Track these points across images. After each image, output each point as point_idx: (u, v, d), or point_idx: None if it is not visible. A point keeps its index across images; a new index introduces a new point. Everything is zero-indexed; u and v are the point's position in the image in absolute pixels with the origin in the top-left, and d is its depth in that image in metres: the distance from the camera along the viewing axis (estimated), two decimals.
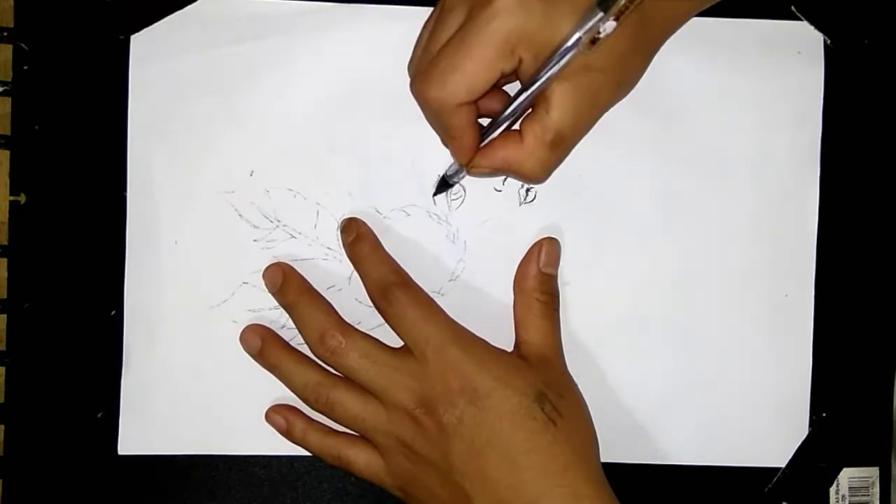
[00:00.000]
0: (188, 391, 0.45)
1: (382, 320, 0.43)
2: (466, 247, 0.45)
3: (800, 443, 0.46)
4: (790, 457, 0.46)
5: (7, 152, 0.45)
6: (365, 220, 0.45)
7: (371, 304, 0.43)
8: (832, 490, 0.46)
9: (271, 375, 0.44)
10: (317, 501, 0.46)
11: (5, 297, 0.45)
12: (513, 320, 0.44)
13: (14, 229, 0.45)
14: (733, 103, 0.45)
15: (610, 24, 0.37)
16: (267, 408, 0.45)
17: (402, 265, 0.44)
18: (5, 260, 0.45)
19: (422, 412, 0.41)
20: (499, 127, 0.40)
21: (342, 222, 0.45)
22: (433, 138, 0.43)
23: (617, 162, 0.45)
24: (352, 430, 0.43)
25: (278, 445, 0.45)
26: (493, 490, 0.40)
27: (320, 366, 0.44)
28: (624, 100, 0.41)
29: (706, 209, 0.46)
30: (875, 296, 0.46)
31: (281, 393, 0.45)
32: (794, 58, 0.45)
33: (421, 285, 0.43)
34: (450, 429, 0.41)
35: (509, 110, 0.40)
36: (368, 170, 0.45)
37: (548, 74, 0.38)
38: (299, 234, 0.45)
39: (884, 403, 0.47)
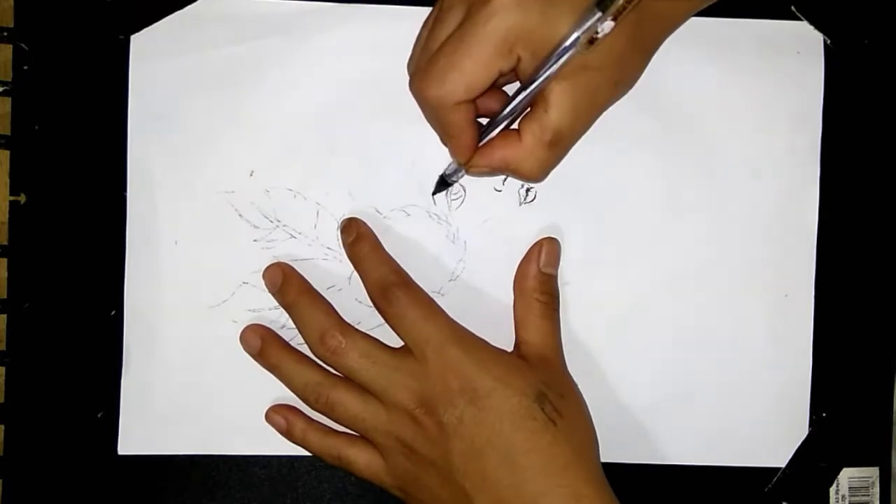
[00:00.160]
0: (188, 391, 0.45)
1: (382, 320, 0.43)
2: (466, 247, 0.45)
3: (800, 443, 0.46)
4: (790, 457, 0.46)
5: (7, 152, 0.45)
6: (365, 220, 0.45)
7: (371, 304, 0.43)
8: (832, 490, 0.46)
9: (271, 375, 0.44)
10: (317, 501, 0.46)
11: (5, 297, 0.45)
12: (513, 320, 0.44)
13: (14, 229, 0.45)
14: (733, 103, 0.45)
15: (608, 24, 0.37)
16: (267, 408, 0.45)
17: (402, 265, 0.44)
18: (5, 260, 0.45)
19: (422, 412, 0.41)
20: (497, 126, 0.40)
21: (342, 222, 0.45)
22: (433, 139, 0.43)
23: (617, 162, 0.45)
24: (352, 430, 0.43)
25: (278, 445, 0.45)
26: (494, 490, 0.40)
27: (320, 366, 0.44)
28: (624, 100, 0.41)
29: (706, 209, 0.46)
30: (875, 296, 0.46)
31: (281, 393, 0.45)
32: (794, 58, 0.45)
33: (421, 285, 0.43)
34: (450, 429, 0.41)
35: (508, 109, 0.40)
36: (368, 170, 0.45)
37: (546, 73, 0.38)
38: (299, 234, 0.45)
39: (884, 403, 0.47)
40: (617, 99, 0.41)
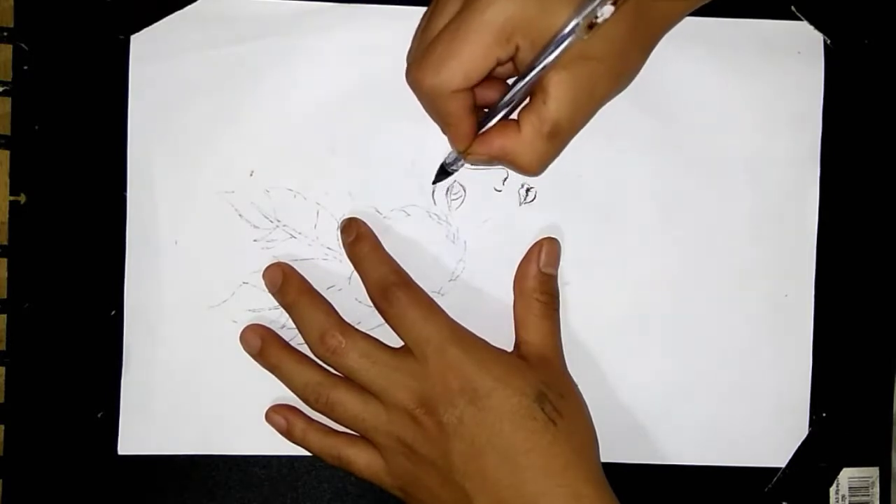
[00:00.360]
0: (188, 391, 0.45)
1: (382, 320, 0.43)
2: (466, 247, 0.45)
3: (800, 443, 0.46)
4: (790, 457, 0.46)
5: (7, 152, 0.45)
6: (365, 220, 0.45)
7: (371, 304, 0.43)
8: (832, 490, 0.46)
9: (271, 375, 0.44)
10: (317, 501, 0.46)
11: (5, 297, 0.45)
12: (513, 320, 0.44)
13: (14, 229, 0.45)
14: (733, 103, 0.45)
15: (608, 9, 0.36)
16: (267, 408, 0.45)
17: (402, 265, 0.44)
18: (5, 260, 0.45)
19: (422, 412, 0.41)
20: (496, 115, 0.40)
21: (342, 222, 0.45)
22: (433, 138, 0.43)
23: (617, 162, 0.45)
24: (352, 430, 0.43)
25: (278, 445, 0.45)
26: (494, 490, 0.40)
27: (320, 366, 0.44)
28: (624, 99, 0.41)
29: (706, 209, 0.46)
30: (875, 296, 0.46)
31: (281, 393, 0.45)
32: (794, 58, 0.45)
33: (421, 285, 0.43)
34: (450, 429, 0.41)
35: (507, 98, 0.39)
36: (368, 170, 0.45)
37: (545, 61, 0.37)
38: (299, 234, 0.45)
39: (884, 403, 0.47)
40: (616, 92, 0.40)
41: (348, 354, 0.42)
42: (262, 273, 0.45)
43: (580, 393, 0.44)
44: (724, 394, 0.46)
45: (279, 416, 0.45)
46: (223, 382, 0.45)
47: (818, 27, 0.45)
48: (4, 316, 0.45)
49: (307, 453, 0.45)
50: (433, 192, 0.45)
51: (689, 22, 0.43)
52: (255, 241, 0.45)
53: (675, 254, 0.46)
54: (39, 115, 0.45)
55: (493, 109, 0.40)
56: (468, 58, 0.37)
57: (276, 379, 0.44)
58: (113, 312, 0.45)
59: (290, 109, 0.45)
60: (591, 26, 0.37)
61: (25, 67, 0.45)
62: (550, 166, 0.41)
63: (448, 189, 0.45)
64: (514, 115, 0.40)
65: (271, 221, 0.45)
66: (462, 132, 0.40)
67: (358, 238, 0.44)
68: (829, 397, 0.46)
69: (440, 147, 0.43)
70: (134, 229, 0.45)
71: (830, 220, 0.46)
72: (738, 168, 0.45)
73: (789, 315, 0.46)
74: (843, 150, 0.46)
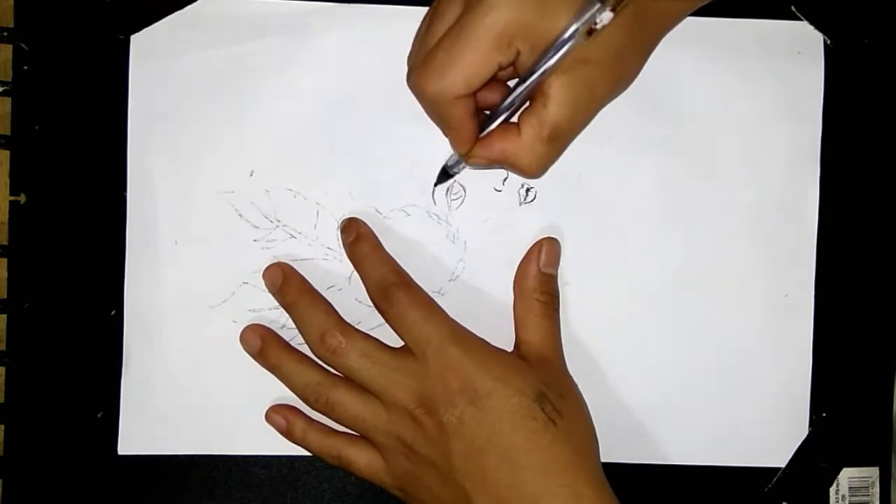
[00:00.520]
0: (188, 391, 0.45)
1: (382, 320, 0.43)
2: (466, 247, 0.45)
3: (800, 443, 0.46)
4: (790, 457, 0.46)
5: (7, 152, 0.45)
6: (365, 220, 0.45)
7: (371, 304, 0.43)
8: (832, 490, 0.46)
9: (271, 375, 0.44)
10: (317, 501, 0.46)
11: (5, 297, 0.45)
12: (513, 320, 0.44)
13: (14, 229, 0.45)
14: (733, 103, 0.45)
15: (607, 15, 0.36)
16: (267, 408, 0.45)
17: (402, 265, 0.44)
18: (5, 260, 0.45)
19: (422, 412, 0.41)
20: (496, 119, 0.40)
21: (342, 222, 0.45)
22: (433, 139, 0.43)
23: (617, 162, 0.45)
24: (352, 429, 0.43)
25: (278, 445, 0.45)
26: (494, 490, 0.40)
27: (320, 366, 0.44)
28: (624, 100, 0.41)
29: (706, 209, 0.46)
30: (875, 296, 0.46)
31: (281, 393, 0.45)
32: (794, 58, 0.45)
33: (421, 285, 0.43)
34: (450, 429, 0.41)
35: (507, 102, 0.39)
36: (368, 170, 0.45)
37: (545, 66, 0.38)
38: (299, 234, 0.45)
39: (884, 403, 0.47)
40: (616, 95, 0.41)
41: (348, 354, 0.42)
42: (262, 273, 0.45)
43: (580, 393, 0.44)
44: (724, 394, 0.46)
45: (279, 416, 0.45)
46: (223, 382, 0.45)
47: (818, 27, 0.45)
48: (4, 316, 0.45)
49: (307, 453, 0.45)
50: (433, 192, 0.45)
51: (689, 22, 0.43)
52: (255, 241, 0.45)
53: (674, 254, 0.46)
54: (39, 115, 0.45)
55: (493, 113, 0.40)
56: (470, 64, 0.37)
57: (276, 379, 0.44)
58: (113, 312, 0.45)
59: (290, 109, 0.45)
60: (591, 32, 0.37)
61: (25, 67, 0.45)
62: (551, 167, 0.41)
63: (448, 189, 0.45)
64: (514, 119, 0.40)
65: (271, 221, 0.45)
66: (464, 136, 0.40)
67: (358, 238, 0.44)
68: (829, 397, 0.46)
69: (440, 147, 0.43)
70: (134, 229, 0.45)
71: (830, 220, 0.46)
72: (738, 168, 0.45)
73: (789, 315, 0.46)
74: (843, 150, 0.46)
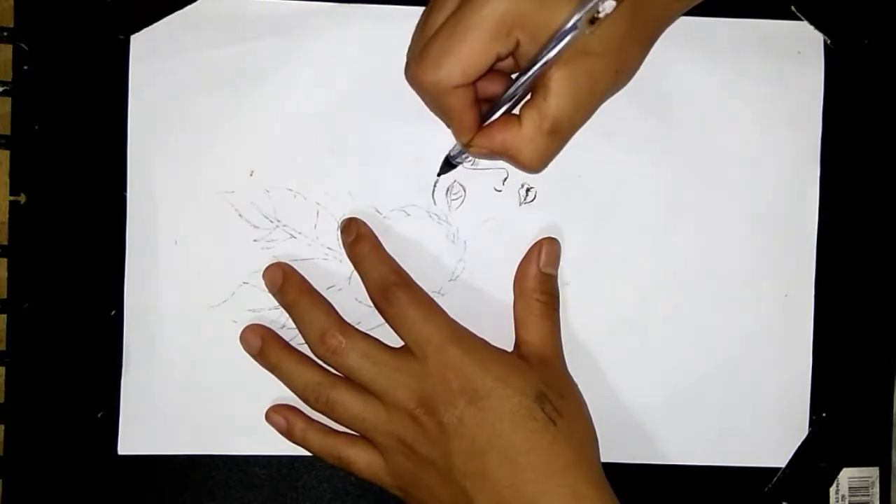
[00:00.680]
0: (188, 391, 0.45)
1: (382, 320, 0.43)
2: (466, 247, 0.45)
3: (800, 443, 0.46)
4: (790, 457, 0.46)
5: (7, 152, 0.45)
6: (365, 220, 0.45)
7: (371, 304, 0.43)
8: (832, 490, 0.46)
9: (271, 375, 0.44)
10: (317, 501, 0.46)
11: (5, 297, 0.45)
12: (513, 320, 0.44)
13: (14, 229, 0.45)
14: (733, 103, 0.45)
15: (609, 4, 0.36)
16: (267, 408, 0.45)
17: (402, 265, 0.44)
18: (5, 260, 0.45)
19: (422, 412, 0.41)
20: (498, 109, 0.40)
21: (342, 222, 0.45)
22: (433, 138, 0.43)
23: (617, 162, 0.45)
24: (352, 429, 0.43)
25: (278, 445, 0.45)
26: (494, 490, 0.40)
27: (320, 366, 0.44)
28: (624, 99, 0.41)
29: (706, 209, 0.46)
30: (875, 296, 0.46)
31: (281, 393, 0.45)
32: (794, 58, 0.45)
33: (421, 285, 0.43)
34: (450, 428, 0.41)
35: (509, 92, 0.39)
36: (368, 170, 0.45)
37: (547, 56, 0.37)
38: (299, 234, 0.45)
39: (884, 403, 0.47)
40: (617, 89, 0.40)
41: (348, 354, 0.42)
42: (262, 273, 0.45)
43: (580, 393, 0.44)
44: (725, 394, 0.46)
45: (279, 416, 0.45)
46: (223, 382, 0.45)
47: (818, 27, 0.45)
48: (4, 316, 0.45)
49: (307, 453, 0.45)
50: (433, 191, 0.45)
51: (689, 22, 0.44)
52: (255, 241, 0.45)
53: (674, 254, 0.46)
54: (39, 115, 0.45)
55: (496, 104, 0.40)
56: (467, 54, 0.37)
57: (276, 379, 0.44)
58: (113, 312, 0.45)
59: (290, 109, 0.45)
60: (593, 21, 0.37)
61: (25, 67, 0.45)
62: (550, 166, 0.41)
63: (448, 189, 0.45)
64: (516, 111, 0.40)
65: (271, 221, 0.45)
66: (465, 126, 0.40)
67: (358, 238, 0.44)
68: (829, 397, 0.46)
69: (441, 147, 0.43)
70: (134, 229, 0.45)
71: (830, 220, 0.46)
72: (738, 168, 0.46)
73: (789, 315, 0.46)
74: (843, 150, 0.46)
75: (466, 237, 0.45)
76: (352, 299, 0.45)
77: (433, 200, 0.45)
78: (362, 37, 0.45)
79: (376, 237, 0.44)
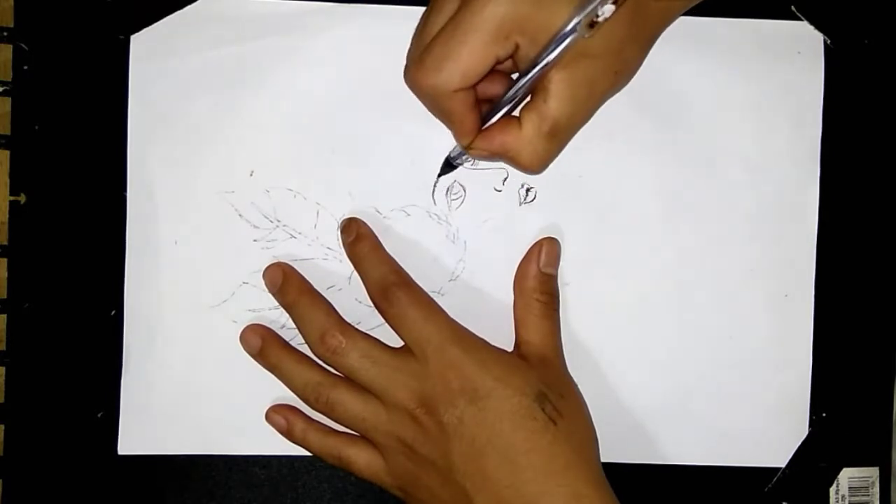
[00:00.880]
0: (188, 391, 0.45)
1: (382, 320, 0.43)
2: (466, 247, 0.45)
3: (800, 443, 0.46)
4: (790, 457, 0.46)
5: (7, 152, 0.45)
6: (365, 220, 0.45)
7: (371, 304, 0.43)
8: (832, 490, 0.46)
9: (271, 375, 0.44)
10: (317, 501, 0.46)
11: (5, 297, 0.45)
12: (513, 320, 0.44)
13: (14, 229, 0.45)
14: (733, 103, 0.45)
15: (609, 8, 0.36)
16: (267, 408, 0.45)
17: (402, 265, 0.44)
18: (5, 260, 0.45)
19: (422, 412, 0.41)
20: (498, 112, 0.40)
21: (342, 222, 0.45)
22: (433, 139, 0.43)
23: (617, 162, 0.45)
24: (352, 429, 0.43)
25: (278, 445, 0.45)
26: (494, 490, 0.40)
27: (320, 366, 0.44)
28: (624, 99, 0.41)
29: (706, 209, 0.46)
30: (875, 296, 0.46)
31: (281, 393, 0.45)
32: (794, 58, 0.45)
33: (421, 285, 0.43)
34: (450, 428, 0.41)
35: (509, 95, 0.39)
36: (368, 170, 0.45)
37: (546, 59, 0.37)
38: (299, 234, 0.45)
39: (884, 403, 0.47)
40: (616, 90, 0.40)
41: (348, 354, 0.42)
42: (262, 273, 0.45)
43: (580, 393, 0.44)
44: (725, 394, 0.46)
45: (279, 416, 0.45)
46: (223, 382, 0.45)
47: (818, 27, 0.45)
48: (4, 316, 0.45)
49: (307, 453, 0.45)
50: (433, 191, 0.45)
51: (689, 22, 0.44)
52: (255, 241, 0.45)
53: (675, 254, 0.46)
54: (39, 115, 0.45)
55: (495, 106, 0.40)
56: (466, 57, 0.37)
57: (276, 379, 0.44)
58: (113, 312, 0.45)
59: (290, 109, 0.45)
60: (592, 25, 0.37)
61: (25, 67, 0.45)
62: (550, 166, 0.41)
63: (448, 189, 0.45)
64: (516, 113, 0.40)
65: (271, 221, 0.45)
66: (465, 128, 0.40)
67: (358, 238, 0.44)
68: (829, 397, 0.46)
69: (441, 147, 0.43)
70: (134, 229, 0.45)
71: (830, 220, 0.46)
72: (738, 168, 0.46)
73: (789, 315, 0.46)
74: (843, 150, 0.46)
75: (466, 237, 0.45)
76: (352, 299, 0.45)
77: (433, 200, 0.45)
78: (362, 37, 0.45)
79: (376, 237, 0.44)
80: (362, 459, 0.43)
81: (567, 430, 0.41)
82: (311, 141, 0.45)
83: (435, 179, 0.45)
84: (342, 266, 0.45)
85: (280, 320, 0.45)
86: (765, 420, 0.46)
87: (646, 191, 0.45)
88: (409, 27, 0.42)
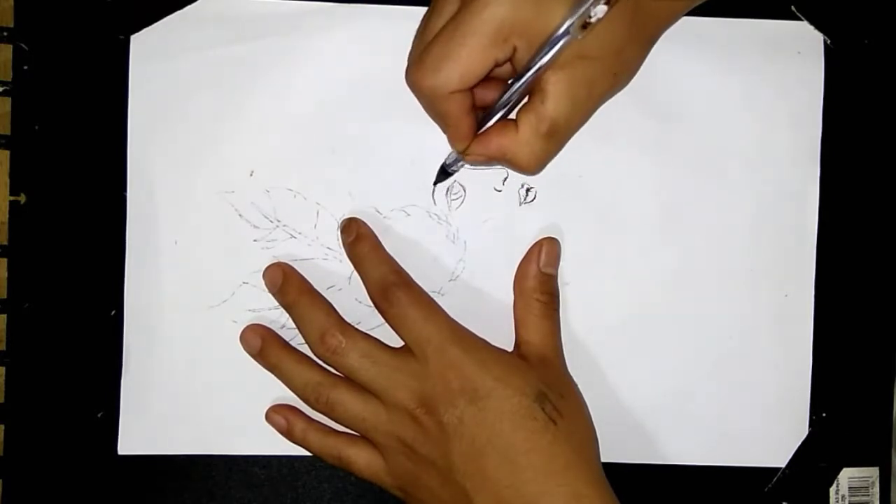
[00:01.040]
0: (188, 391, 0.45)
1: (382, 320, 0.43)
2: (466, 247, 0.45)
3: (800, 443, 0.46)
4: (790, 457, 0.46)
5: (7, 152, 0.45)
6: (365, 220, 0.45)
7: (371, 304, 0.43)
8: (832, 490, 0.46)
9: (271, 375, 0.44)
10: (317, 501, 0.46)
11: (5, 297, 0.45)
12: (513, 320, 0.44)
13: (14, 229, 0.45)
14: (733, 103, 0.45)
15: (601, 9, 0.36)
16: (267, 408, 0.45)
17: (402, 265, 0.44)
18: (5, 260, 0.45)
19: (422, 412, 0.41)
20: (494, 115, 0.40)
21: (342, 222, 0.45)
22: (433, 139, 0.43)
23: (617, 162, 0.45)
24: (352, 429, 0.43)
25: (278, 445, 0.45)
26: (494, 490, 0.40)
27: (320, 366, 0.44)
28: (624, 100, 0.41)
29: (706, 209, 0.46)
30: (875, 296, 0.46)
31: (281, 393, 0.45)
32: (794, 58, 0.45)
33: (421, 285, 0.43)
34: (450, 428, 0.41)
35: (504, 98, 0.39)
36: (368, 170, 0.45)
37: (541, 62, 0.37)
38: (299, 234, 0.45)
39: (884, 403, 0.47)
40: (615, 92, 0.40)
41: (348, 354, 0.42)
42: (262, 273, 0.45)
43: (580, 393, 0.44)
44: (725, 394, 0.46)
45: (279, 416, 0.45)
46: (223, 382, 0.45)
47: (818, 27, 0.45)
48: (4, 316, 0.45)
49: (307, 453, 0.45)
50: (433, 191, 0.45)
51: (690, 22, 0.44)
52: (255, 241, 0.45)
53: (675, 254, 0.46)
54: (39, 115, 0.45)
55: (491, 110, 0.40)
56: (465, 59, 0.37)
57: (276, 379, 0.44)
58: (113, 312, 0.45)
59: (290, 109, 0.45)
60: (586, 26, 0.37)
61: (25, 67, 0.45)
62: (550, 166, 0.41)
63: (448, 189, 0.45)
64: (512, 115, 0.40)
65: (271, 221, 0.45)
66: (461, 132, 0.40)
67: (358, 238, 0.44)
68: (829, 397, 0.46)
69: (440, 147, 0.43)
70: (134, 229, 0.45)
71: (830, 220, 0.46)
72: (739, 168, 0.46)
73: (789, 315, 0.46)
74: (843, 150, 0.46)
75: (466, 237, 0.45)
76: (352, 299, 0.45)
77: (433, 200, 0.45)
78: (362, 37, 0.45)
79: (376, 237, 0.44)
80: (362, 459, 0.43)
81: (567, 430, 0.41)
82: (311, 141, 0.45)
83: (431, 188, 0.45)
84: (342, 266, 0.45)
85: (280, 320, 0.45)
86: (765, 420, 0.46)
87: (646, 191, 0.45)
88: (409, 27, 0.42)
